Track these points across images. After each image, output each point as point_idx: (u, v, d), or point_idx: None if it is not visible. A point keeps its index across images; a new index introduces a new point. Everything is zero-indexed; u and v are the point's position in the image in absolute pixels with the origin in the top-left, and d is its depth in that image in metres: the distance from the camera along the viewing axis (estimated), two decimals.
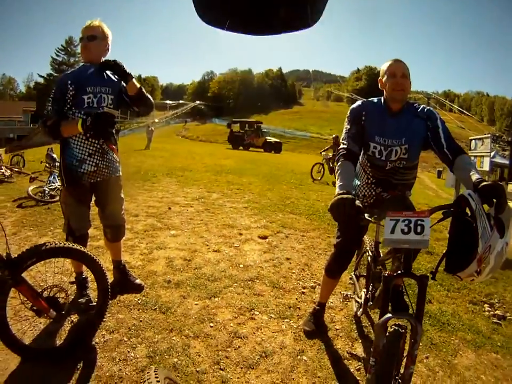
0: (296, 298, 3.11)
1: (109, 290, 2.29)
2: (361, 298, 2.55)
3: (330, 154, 12.24)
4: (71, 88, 2.46)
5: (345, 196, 1.68)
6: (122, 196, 2.88)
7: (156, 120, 55.79)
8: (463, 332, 2.89)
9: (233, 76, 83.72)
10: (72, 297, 2.66)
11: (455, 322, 3.02)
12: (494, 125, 72.52)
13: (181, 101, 76.69)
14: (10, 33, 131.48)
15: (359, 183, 2.44)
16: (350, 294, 2.89)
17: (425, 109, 2.19)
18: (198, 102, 75.89)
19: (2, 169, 9.63)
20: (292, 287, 3.31)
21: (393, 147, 2.19)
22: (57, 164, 7.08)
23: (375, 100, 2.29)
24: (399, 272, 1.70)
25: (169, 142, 30.19)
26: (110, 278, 2.77)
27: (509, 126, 62.39)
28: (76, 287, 2.74)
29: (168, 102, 73.38)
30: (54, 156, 7.67)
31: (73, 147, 2.54)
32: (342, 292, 2.98)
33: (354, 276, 2.91)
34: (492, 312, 3.36)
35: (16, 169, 10.12)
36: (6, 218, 5.13)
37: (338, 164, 2.04)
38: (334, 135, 12.83)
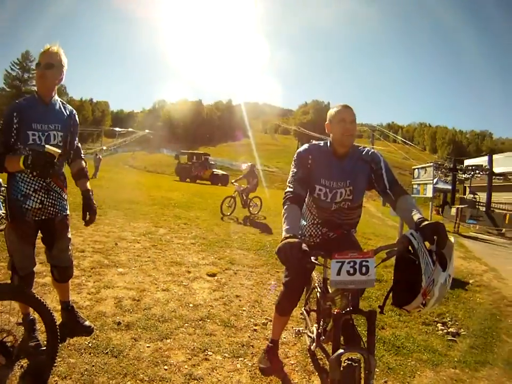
0: (249, 336, 3.15)
1: (58, 333, 2.22)
2: (313, 333, 2.61)
3: (244, 186, 11.30)
4: (15, 121, 2.39)
5: (291, 240, 1.76)
6: (69, 235, 2.80)
7: (104, 148, 54.40)
8: (418, 353, 3.06)
9: (183, 106, 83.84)
10: (21, 340, 2.51)
11: (409, 344, 3.19)
12: (436, 153, 77.77)
13: (130, 129, 75.48)
14: None
15: (305, 223, 2.54)
16: (302, 329, 2.95)
17: (370, 152, 2.32)
18: (147, 130, 75.06)
19: None
20: (243, 325, 3.35)
21: (338, 189, 2.30)
22: (3, 189, 6.71)
23: (321, 143, 2.39)
24: (348, 309, 1.82)
25: (117, 172, 29.41)
26: (58, 319, 2.68)
27: (450, 153, 66.83)
28: (23, 328, 2.62)
29: (117, 129, 72.02)
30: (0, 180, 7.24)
31: (18, 180, 2.47)
32: (294, 328, 3.06)
33: (304, 311, 2.97)
34: (445, 331, 3.59)
35: None
36: None
37: (285, 207, 2.12)
38: (249, 163, 12.06)
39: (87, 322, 2.95)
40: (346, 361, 1.74)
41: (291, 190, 2.18)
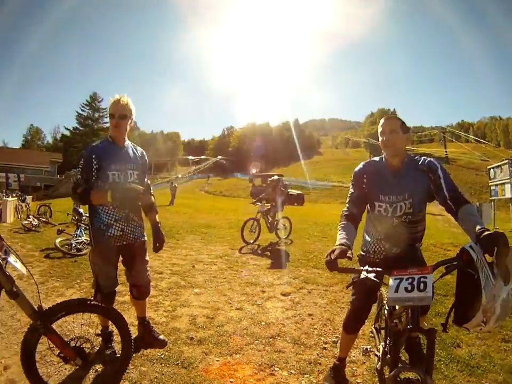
0: (317, 354, 3.11)
1: (132, 344, 2.45)
2: (380, 351, 2.53)
3: (269, 205, 9.07)
4: (95, 162, 2.72)
5: (336, 247, 1.85)
6: (147, 258, 3.07)
7: (179, 176, 57.15)
8: (494, 373, 2.81)
9: (251, 130, 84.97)
10: (97, 348, 2.81)
11: (485, 364, 2.94)
12: (511, 148, 70.21)
13: (203, 156, 78.43)
14: (37, 86, 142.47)
15: (369, 239, 2.51)
16: (370, 348, 2.87)
17: (426, 161, 2.25)
18: (219, 157, 77.23)
19: (30, 218, 10.21)
20: (313, 343, 3.31)
21: (397, 203, 2.27)
22: (83, 218, 7.47)
23: (377, 158, 2.42)
24: (408, 327, 1.76)
25: (193, 198, 30.73)
26: (134, 332, 2.94)
27: None
28: (101, 339, 2.91)
29: (190, 157, 75.26)
30: (81, 210, 8.04)
31: (100, 212, 2.78)
32: (362, 346, 2.98)
33: (374, 329, 2.88)
34: None
35: (44, 219, 10.78)
36: (33, 267, 5.47)
37: (340, 224, 2.20)
38: (275, 177, 10.07)
39: (161, 336, 3.15)
40: (404, 380, 1.69)
41: (346, 209, 2.30)
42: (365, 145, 75.61)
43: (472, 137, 69.29)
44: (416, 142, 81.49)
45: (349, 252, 1.82)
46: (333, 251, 1.84)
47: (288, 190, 31.31)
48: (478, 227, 1.78)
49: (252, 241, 8.54)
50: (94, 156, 2.74)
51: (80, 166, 2.75)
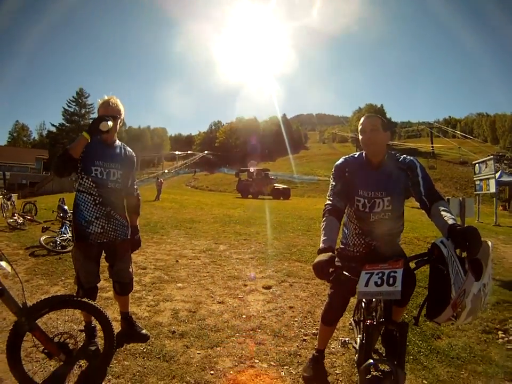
0: (297, 346, 3.18)
1: (115, 339, 2.50)
2: (357, 344, 2.56)
3: None
4: (81, 155, 2.71)
5: (324, 257, 1.79)
6: (130, 256, 3.11)
7: (166, 171, 56.77)
8: (474, 364, 2.89)
9: (238, 125, 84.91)
10: (81, 344, 2.85)
11: (465, 355, 3.02)
12: (498, 144, 71.89)
13: (189, 151, 78.08)
14: (23, 81, 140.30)
15: (348, 232, 2.54)
16: (349, 340, 2.93)
17: (406, 160, 2.29)
18: (206, 152, 77.07)
19: (15, 216, 10.06)
20: (293, 335, 3.38)
21: (376, 199, 2.30)
22: (69, 215, 7.40)
23: (357, 154, 2.43)
24: (380, 320, 1.84)
25: (179, 193, 30.51)
26: (117, 328, 3.00)
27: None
28: (84, 335, 2.95)
29: (177, 152, 74.69)
30: (66, 207, 7.97)
31: (82, 209, 2.82)
32: (342, 338, 3.03)
33: (353, 321, 2.91)
34: (506, 339, 3.31)
35: (29, 217, 10.54)
36: (18, 265, 5.44)
37: (323, 219, 2.18)
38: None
39: (143, 331, 3.20)
40: (375, 372, 1.73)
41: (330, 203, 2.25)
42: (352, 140, 76.12)
43: (459, 132, 70.14)
44: (403, 137, 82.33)
45: (336, 260, 1.82)
46: (322, 265, 1.78)
47: (275, 185, 31.63)
48: (450, 222, 1.80)
49: None
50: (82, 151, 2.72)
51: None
